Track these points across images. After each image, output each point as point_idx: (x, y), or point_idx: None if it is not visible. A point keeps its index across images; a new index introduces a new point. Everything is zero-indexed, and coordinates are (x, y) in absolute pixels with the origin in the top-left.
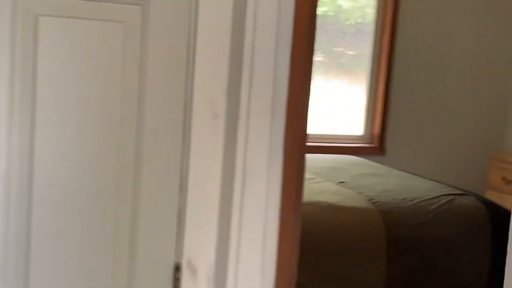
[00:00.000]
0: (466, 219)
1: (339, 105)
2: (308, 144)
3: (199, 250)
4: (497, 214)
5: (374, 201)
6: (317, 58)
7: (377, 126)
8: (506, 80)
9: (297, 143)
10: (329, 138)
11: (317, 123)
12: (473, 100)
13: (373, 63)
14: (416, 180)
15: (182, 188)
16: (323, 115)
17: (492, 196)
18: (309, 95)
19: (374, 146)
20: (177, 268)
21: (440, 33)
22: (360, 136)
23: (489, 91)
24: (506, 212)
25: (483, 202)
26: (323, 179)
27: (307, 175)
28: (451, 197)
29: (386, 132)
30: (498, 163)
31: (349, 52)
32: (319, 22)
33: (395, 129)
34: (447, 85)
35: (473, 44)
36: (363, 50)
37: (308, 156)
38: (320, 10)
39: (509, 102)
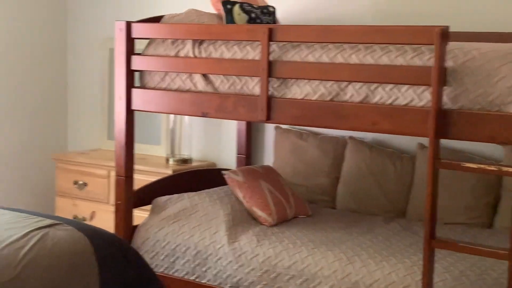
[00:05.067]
0: (68, 262)
1: None
2: None
3: None
4: (102, 245)
5: None
6: None
7: None
8: (62, 76)
9: None
10: None
11: None
12: (29, 99)
13: None
14: None
15: None
16: None
17: (64, 203)
18: None
19: None
20: None
21: None
22: None
23: (47, 87)
24: (110, 240)
25: (83, 231)
26: None
27: None
28: (42, 231)
29: None
30: (65, 164)
31: None
32: None
33: None
34: None
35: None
36: None
37: None
38: None
39: (68, 99)
